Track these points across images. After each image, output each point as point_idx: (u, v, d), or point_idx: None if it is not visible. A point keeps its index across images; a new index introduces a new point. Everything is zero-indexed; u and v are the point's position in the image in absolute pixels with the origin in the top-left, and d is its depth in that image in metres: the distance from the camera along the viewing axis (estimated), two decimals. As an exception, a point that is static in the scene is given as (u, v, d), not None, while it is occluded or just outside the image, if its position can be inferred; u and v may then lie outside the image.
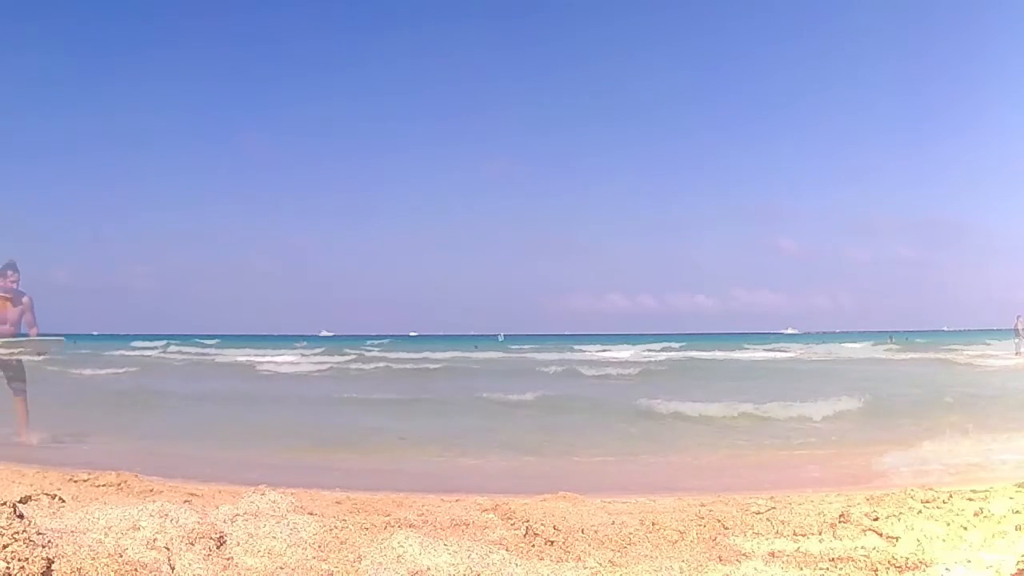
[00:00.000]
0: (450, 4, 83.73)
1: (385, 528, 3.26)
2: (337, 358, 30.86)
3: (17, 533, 2.30)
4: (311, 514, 3.31)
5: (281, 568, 2.67)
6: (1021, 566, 2.87)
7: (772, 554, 3.16)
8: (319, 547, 2.87)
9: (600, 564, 2.99)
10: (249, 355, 32.41)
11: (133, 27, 75.42)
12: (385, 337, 68.00)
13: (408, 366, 26.38)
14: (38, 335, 8.66)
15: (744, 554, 3.17)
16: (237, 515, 3.12)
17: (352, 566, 2.74)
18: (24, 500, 3.20)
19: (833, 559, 3.05)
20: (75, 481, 5.16)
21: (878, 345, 40.36)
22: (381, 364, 27.33)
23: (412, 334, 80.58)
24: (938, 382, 16.86)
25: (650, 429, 9.93)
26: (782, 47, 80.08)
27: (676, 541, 3.36)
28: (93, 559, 2.37)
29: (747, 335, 65.60)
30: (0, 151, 69.55)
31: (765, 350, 37.99)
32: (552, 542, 3.20)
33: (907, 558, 3.01)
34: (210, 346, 44.35)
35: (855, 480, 6.07)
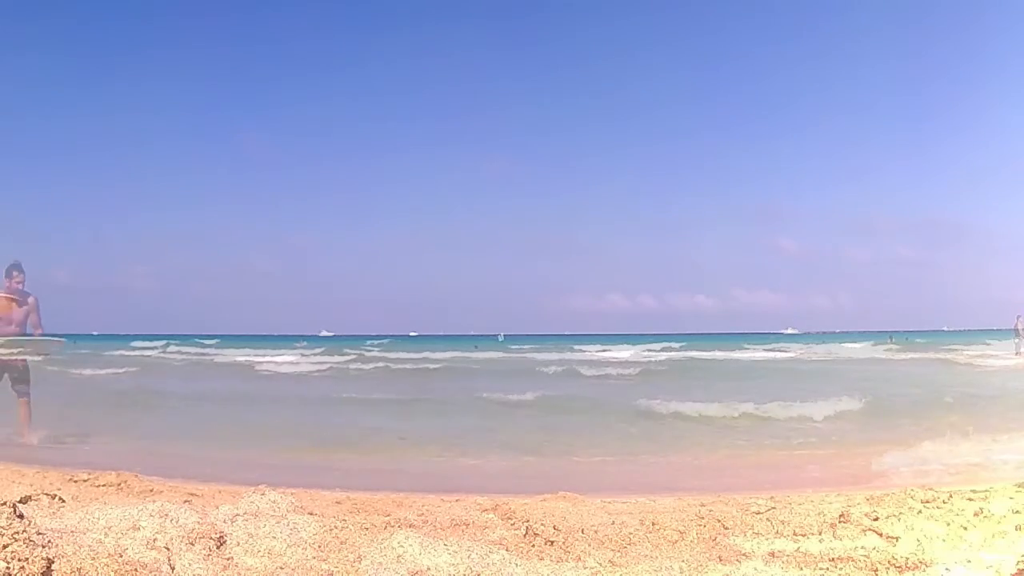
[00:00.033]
0: (450, 4, 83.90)
1: (385, 528, 3.26)
2: (337, 358, 30.86)
3: (17, 533, 2.30)
4: (311, 514, 3.31)
5: (281, 568, 2.67)
6: (1021, 566, 2.87)
7: (772, 554, 3.16)
8: (319, 547, 2.87)
9: (600, 564, 2.99)
10: (249, 355, 32.41)
11: (133, 27, 75.61)
12: (385, 337, 68.01)
13: (408, 366, 26.37)
14: (43, 335, 8.66)
15: (744, 554, 3.17)
16: (237, 515, 3.12)
17: (352, 566, 2.74)
18: (24, 500, 3.20)
19: (833, 559, 3.05)
20: (75, 481, 5.16)
21: (878, 345, 40.35)
22: (381, 364, 27.32)
23: (412, 334, 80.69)
24: (938, 382, 16.86)
25: (650, 429, 9.93)
26: (782, 47, 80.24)
27: (676, 541, 3.36)
28: (93, 559, 2.37)
29: (747, 335, 65.66)
30: (0, 151, 69.65)
31: (765, 350, 37.98)
32: (552, 542, 3.20)
33: (907, 558, 3.01)
34: (210, 346, 44.33)
35: (855, 480, 6.07)
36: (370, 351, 38.87)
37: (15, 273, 8.49)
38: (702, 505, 4.27)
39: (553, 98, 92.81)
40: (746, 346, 40.68)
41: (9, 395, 8.41)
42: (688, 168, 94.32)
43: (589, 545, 3.21)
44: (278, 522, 3.04)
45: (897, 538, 3.32)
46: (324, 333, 75.85)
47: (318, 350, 38.45)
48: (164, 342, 45.65)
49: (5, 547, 2.23)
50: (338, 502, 4.43)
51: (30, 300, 8.55)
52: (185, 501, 4.16)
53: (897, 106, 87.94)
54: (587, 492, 4.94)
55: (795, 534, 3.46)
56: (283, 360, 29.30)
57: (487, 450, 8.23)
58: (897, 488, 4.48)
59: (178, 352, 37.80)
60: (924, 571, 2.92)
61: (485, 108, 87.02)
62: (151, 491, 4.95)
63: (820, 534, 3.45)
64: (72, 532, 2.58)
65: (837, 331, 75.57)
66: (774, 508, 3.94)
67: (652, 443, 8.84)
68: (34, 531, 2.37)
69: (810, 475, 6.58)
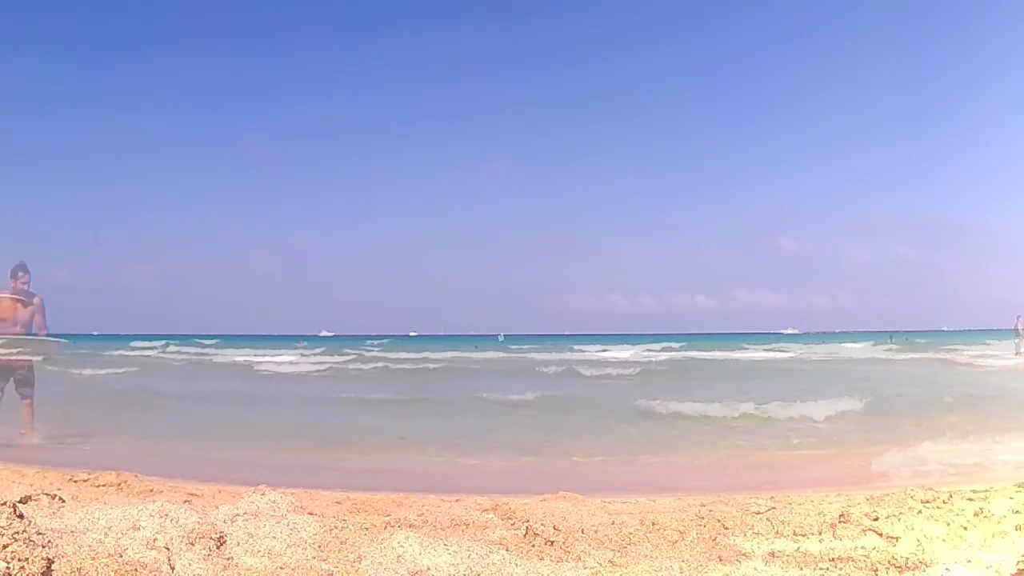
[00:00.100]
0: (450, 4, 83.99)
1: (385, 528, 3.26)
2: (336, 358, 30.87)
3: (17, 533, 2.29)
4: (311, 514, 3.31)
5: (281, 568, 2.67)
6: (1021, 566, 2.87)
7: (772, 554, 3.16)
8: (319, 547, 2.87)
9: (600, 564, 2.99)
10: (248, 355, 32.43)
11: (133, 27, 75.65)
12: (385, 337, 68.00)
13: (408, 366, 26.37)
14: (47, 336, 8.65)
15: (744, 554, 3.17)
16: (237, 515, 3.11)
17: (352, 566, 2.74)
18: (24, 500, 3.20)
19: (833, 559, 3.05)
20: (75, 481, 5.16)
21: (878, 345, 40.36)
22: (380, 364, 27.33)
23: (412, 334, 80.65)
24: (938, 382, 16.86)
25: (650, 429, 9.93)
26: (782, 47, 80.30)
27: (676, 541, 3.35)
28: (93, 559, 2.37)
29: (747, 335, 65.64)
30: (0, 151, 69.67)
31: (765, 350, 37.99)
32: (552, 542, 3.20)
33: (907, 558, 3.01)
34: (209, 346, 44.35)
35: (855, 480, 6.07)
36: (370, 351, 38.89)
37: (20, 274, 8.47)
38: (702, 505, 4.27)
39: (553, 98, 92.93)
40: (746, 346, 40.69)
41: (12, 396, 8.39)
42: (688, 168, 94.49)
43: (589, 545, 3.21)
44: (278, 522, 3.04)
45: (897, 538, 3.32)
46: (324, 333, 75.89)
47: (318, 350, 38.46)
48: (164, 342, 45.65)
49: (5, 547, 2.23)
50: (338, 502, 4.43)
51: (35, 301, 8.54)
52: (185, 501, 4.16)
53: (897, 106, 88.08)
54: (587, 492, 4.94)
55: (795, 534, 3.46)
56: (283, 360, 29.31)
57: (487, 450, 8.23)
58: (897, 488, 4.47)
59: (178, 352, 37.82)
60: (924, 571, 2.91)
61: (485, 108, 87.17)
62: (151, 491, 4.95)
63: (820, 534, 3.45)
64: (72, 532, 2.58)
65: (837, 331, 75.65)
66: (774, 508, 3.94)
67: (652, 443, 8.84)
68: (34, 531, 2.37)
69: (810, 475, 6.57)
